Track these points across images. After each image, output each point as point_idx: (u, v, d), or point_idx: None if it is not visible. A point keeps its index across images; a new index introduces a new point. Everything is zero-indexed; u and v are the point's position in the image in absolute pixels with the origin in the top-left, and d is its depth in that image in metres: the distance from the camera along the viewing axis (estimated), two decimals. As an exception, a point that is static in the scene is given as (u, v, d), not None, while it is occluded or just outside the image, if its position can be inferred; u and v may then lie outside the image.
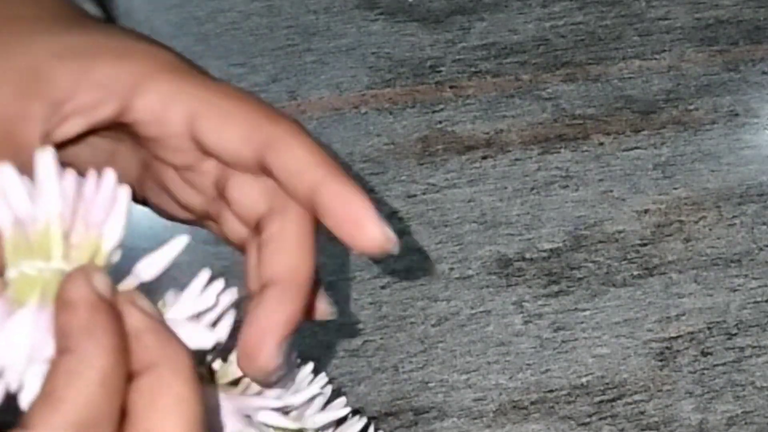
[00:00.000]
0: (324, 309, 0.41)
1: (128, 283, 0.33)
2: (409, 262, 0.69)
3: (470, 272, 0.69)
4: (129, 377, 0.31)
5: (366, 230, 0.36)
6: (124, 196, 0.33)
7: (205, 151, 0.39)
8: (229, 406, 0.40)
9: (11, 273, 0.32)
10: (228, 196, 0.40)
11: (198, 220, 0.43)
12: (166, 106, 0.38)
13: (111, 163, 0.41)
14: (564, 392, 0.63)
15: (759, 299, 0.68)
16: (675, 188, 0.74)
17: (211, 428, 0.38)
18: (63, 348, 0.30)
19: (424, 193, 0.73)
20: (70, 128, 0.39)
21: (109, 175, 0.33)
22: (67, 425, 0.29)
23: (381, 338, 0.66)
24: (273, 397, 0.41)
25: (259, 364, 0.37)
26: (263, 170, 0.38)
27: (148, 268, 0.34)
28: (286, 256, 0.39)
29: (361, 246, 0.37)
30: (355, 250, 0.38)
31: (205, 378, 0.41)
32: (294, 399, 0.43)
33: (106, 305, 0.31)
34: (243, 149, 0.38)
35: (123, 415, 0.30)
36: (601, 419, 0.62)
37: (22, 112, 0.38)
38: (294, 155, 0.37)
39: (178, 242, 0.34)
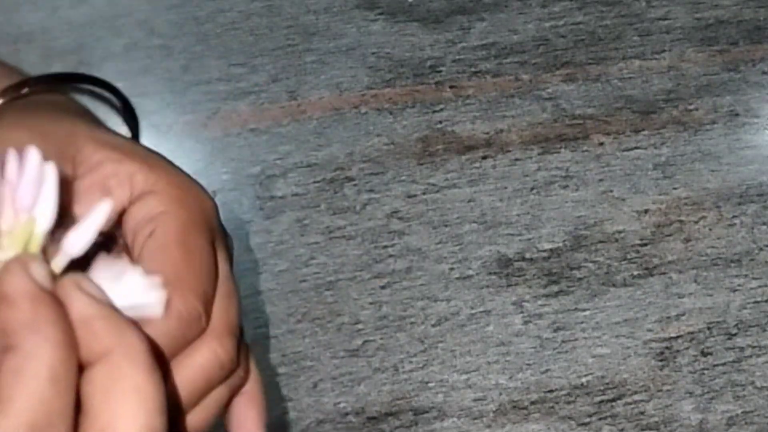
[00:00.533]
0: None
1: (59, 262, 0.31)
2: (409, 262, 0.69)
3: (470, 272, 0.69)
4: (80, 369, 0.29)
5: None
6: (51, 174, 0.31)
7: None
8: None
9: None
10: None
11: None
12: (151, 220, 0.39)
13: None
14: (564, 392, 0.63)
15: (759, 299, 0.68)
16: (675, 188, 0.74)
17: None
18: (6, 346, 0.28)
19: (424, 193, 0.73)
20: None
21: (32, 153, 0.31)
22: (19, 427, 0.27)
23: (381, 338, 0.66)
24: None
25: None
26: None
27: (76, 241, 0.32)
28: None
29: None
30: None
31: None
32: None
33: (48, 296, 0.29)
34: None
35: (78, 410, 0.29)
36: (601, 419, 0.62)
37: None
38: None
39: (102, 209, 0.32)
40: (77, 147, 0.40)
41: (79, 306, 0.29)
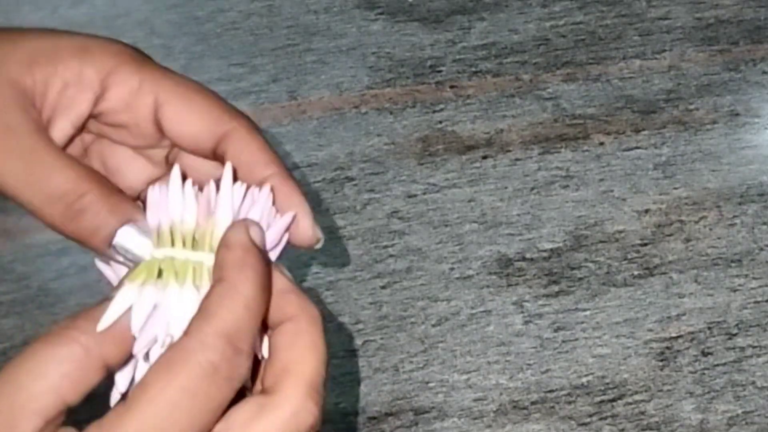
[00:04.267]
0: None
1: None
2: (409, 262, 0.69)
3: (470, 272, 0.69)
4: (273, 325, 0.38)
5: (300, 227, 0.43)
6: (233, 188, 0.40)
7: (165, 135, 0.43)
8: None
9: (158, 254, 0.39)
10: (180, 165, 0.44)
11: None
12: (135, 95, 0.42)
13: None
14: (564, 392, 0.63)
15: (759, 299, 0.68)
16: (675, 188, 0.74)
17: None
18: (217, 277, 0.37)
19: (424, 193, 0.73)
20: (60, 132, 0.42)
21: (265, 191, 0.41)
22: (216, 334, 0.36)
23: (381, 338, 0.66)
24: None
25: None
26: (216, 157, 0.43)
27: (271, 237, 0.41)
28: None
29: (293, 240, 0.43)
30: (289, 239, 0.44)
31: None
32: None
33: (257, 250, 0.38)
34: (204, 138, 0.42)
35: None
36: (601, 419, 0.62)
37: (5, 125, 0.41)
38: (248, 150, 0.42)
39: (288, 216, 0.41)
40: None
41: (280, 280, 0.39)
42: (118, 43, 0.43)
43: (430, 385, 0.63)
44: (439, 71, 0.81)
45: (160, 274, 0.39)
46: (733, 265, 0.69)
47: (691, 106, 0.79)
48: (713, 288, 0.68)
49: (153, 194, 0.40)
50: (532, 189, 0.73)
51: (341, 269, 0.69)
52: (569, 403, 0.63)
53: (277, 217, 0.42)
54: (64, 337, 0.36)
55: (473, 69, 0.81)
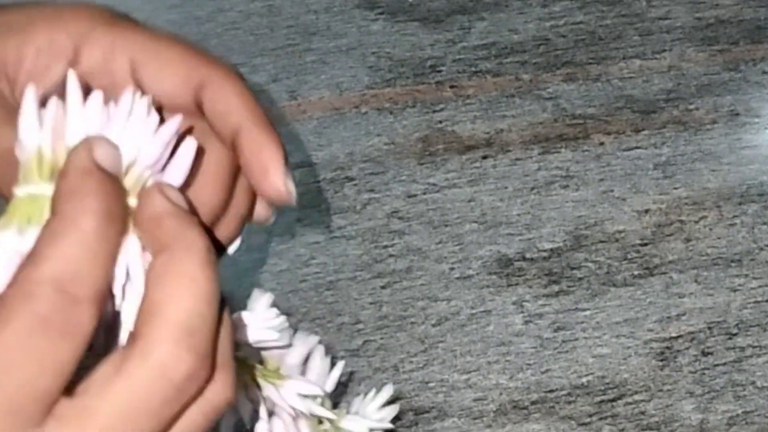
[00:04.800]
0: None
1: (137, 173, 0.34)
2: (409, 262, 0.69)
3: (470, 272, 0.69)
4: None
5: (270, 179, 0.38)
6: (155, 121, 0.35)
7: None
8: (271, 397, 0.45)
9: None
10: None
11: None
12: (109, 57, 0.40)
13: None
14: (564, 392, 0.63)
15: (759, 299, 0.68)
16: (675, 188, 0.74)
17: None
18: (52, 211, 0.31)
19: (424, 193, 0.73)
20: None
21: (144, 101, 0.35)
22: (46, 280, 0.30)
23: (381, 338, 0.66)
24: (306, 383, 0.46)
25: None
26: (200, 112, 0.40)
27: (149, 152, 0.34)
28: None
29: (262, 191, 0.38)
30: (258, 194, 0.39)
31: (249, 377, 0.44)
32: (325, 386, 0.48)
33: (101, 173, 0.32)
34: (181, 93, 0.39)
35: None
36: (601, 419, 0.62)
37: None
38: (223, 97, 0.39)
39: (173, 122, 0.35)
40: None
41: (154, 203, 0.33)
42: (92, 6, 0.41)
43: (430, 384, 0.63)
44: (439, 71, 0.81)
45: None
46: (733, 265, 0.69)
47: (691, 106, 0.79)
48: (713, 288, 0.68)
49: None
50: (532, 189, 0.73)
51: (341, 269, 0.69)
52: (569, 403, 0.63)
53: (161, 130, 0.35)
54: None
55: (473, 69, 0.81)
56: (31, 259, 0.31)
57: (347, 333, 0.66)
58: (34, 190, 0.33)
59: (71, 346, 0.30)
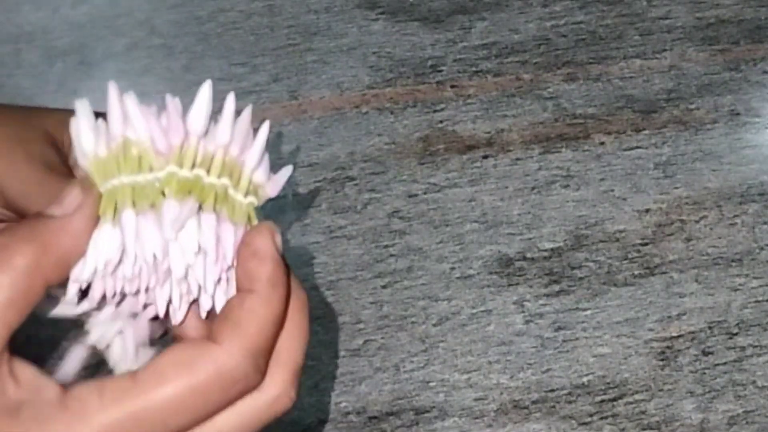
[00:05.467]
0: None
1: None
2: (410, 262, 0.69)
3: (471, 272, 0.69)
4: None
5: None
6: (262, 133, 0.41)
7: None
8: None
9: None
10: None
11: None
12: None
13: None
14: (565, 392, 0.63)
15: (760, 299, 0.68)
16: (676, 188, 0.74)
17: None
18: (248, 289, 0.38)
19: (425, 193, 0.73)
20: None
21: (247, 111, 0.40)
22: (244, 350, 0.37)
23: (382, 338, 0.66)
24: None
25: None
26: None
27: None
28: None
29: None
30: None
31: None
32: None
33: (282, 263, 0.39)
34: None
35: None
36: (602, 419, 0.62)
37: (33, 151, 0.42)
38: None
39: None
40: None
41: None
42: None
43: (431, 384, 0.63)
44: (440, 71, 0.81)
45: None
46: (733, 264, 0.69)
47: (692, 106, 0.79)
48: (714, 287, 0.68)
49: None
50: (533, 189, 0.73)
51: (342, 269, 0.69)
52: (570, 402, 0.63)
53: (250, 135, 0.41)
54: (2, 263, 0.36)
55: (474, 69, 0.81)
56: (233, 325, 0.37)
57: (348, 333, 0.66)
58: (116, 182, 0.38)
59: (236, 399, 0.38)
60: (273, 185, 0.41)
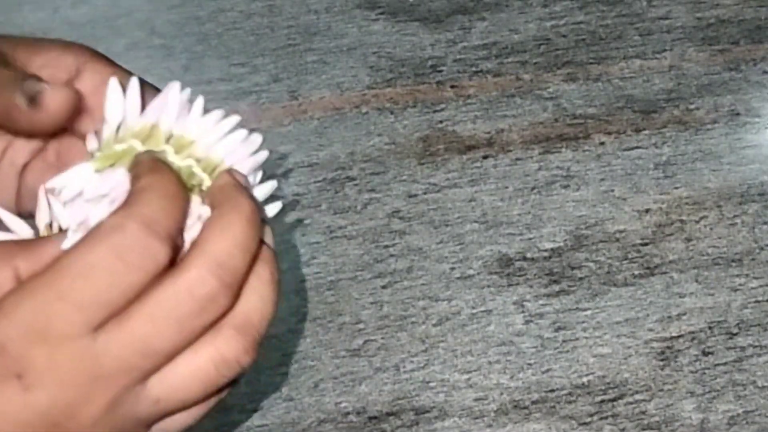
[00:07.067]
0: None
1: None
2: (410, 262, 0.69)
3: (471, 272, 0.69)
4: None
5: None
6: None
7: None
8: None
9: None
10: None
11: None
12: (105, 82, 0.46)
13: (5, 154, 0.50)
14: (565, 392, 0.63)
15: (760, 299, 0.68)
16: (676, 188, 0.74)
17: None
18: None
19: (425, 193, 0.73)
20: None
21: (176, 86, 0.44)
22: (136, 215, 0.39)
23: (382, 338, 0.66)
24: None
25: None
26: None
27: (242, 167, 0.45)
28: None
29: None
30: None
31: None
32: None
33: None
34: None
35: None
36: (602, 419, 0.62)
37: None
38: None
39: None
40: None
41: (223, 177, 0.43)
42: (94, 49, 0.50)
43: (431, 384, 0.63)
44: (440, 71, 0.81)
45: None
46: (733, 264, 0.69)
47: (692, 106, 0.79)
48: (714, 287, 0.68)
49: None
50: (533, 189, 0.73)
51: (342, 269, 0.69)
52: (570, 402, 0.63)
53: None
54: None
55: (474, 69, 0.81)
56: (129, 200, 0.39)
57: (348, 333, 0.66)
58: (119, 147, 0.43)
59: (141, 273, 0.38)
60: (244, 164, 0.45)
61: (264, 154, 0.45)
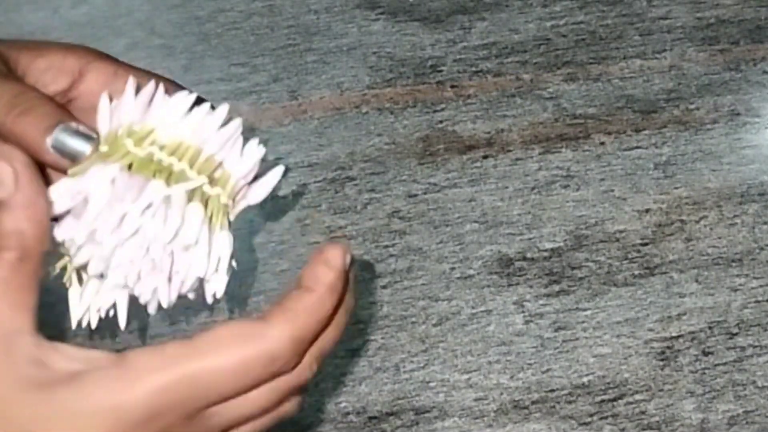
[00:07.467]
0: None
1: (240, 206, 0.44)
2: (410, 262, 0.69)
3: (471, 272, 0.69)
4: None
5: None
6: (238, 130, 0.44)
7: None
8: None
9: (139, 153, 0.43)
10: None
11: None
12: (110, 81, 0.49)
13: None
14: (565, 392, 0.63)
15: (760, 299, 0.68)
16: (676, 188, 0.74)
17: None
18: (309, 287, 0.42)
19: (425, 193, 0.73)
20: None
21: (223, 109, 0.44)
22: (293, 339, 0.41)
23: (382, 338, 0.66)
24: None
25: None
26: None
27: (256, 194, 0.44)
28: None
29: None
30: None
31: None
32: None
33: (345, 275, 0.42)
34: None
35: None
36: (602, 419, 0.62)
37: None
38: None
39: (278, 171, 0.45)
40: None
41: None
42: (98, 49, 0.51)
43: (431, 384, 0.63)
44: (440, 71, 0.81)
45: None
46: (733, 264, 0.69)
47: (692, 106, 0.79)
48: (714, 287, 0.68)
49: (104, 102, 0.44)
50: (533, 189, 0.73)
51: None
52: (570, 402, 0.63)
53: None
54: None
55: (474, 69, 0.81)
56: (287, 314, 0.41)
57: (348, 333, 0.65)
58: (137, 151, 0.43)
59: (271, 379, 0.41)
60: (255, 192, 0.45)
61: (236, 123, 0.44)
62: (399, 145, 0.76)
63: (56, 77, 0.49)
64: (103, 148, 0.43)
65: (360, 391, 0.63)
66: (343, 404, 0.62)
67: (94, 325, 0.44)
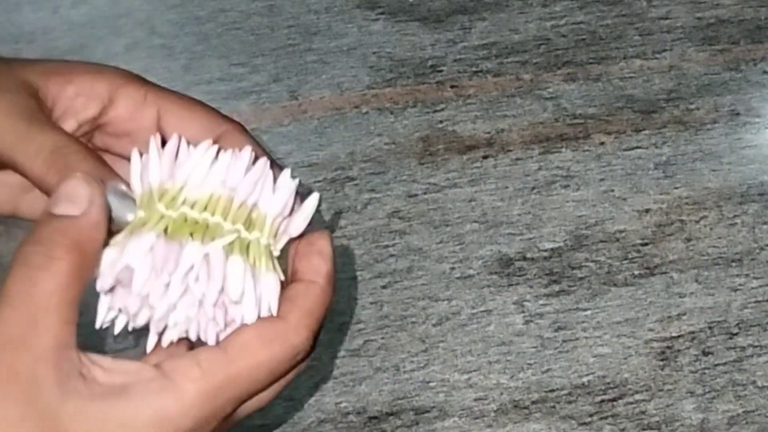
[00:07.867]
0: None
1: (282, 240, 0.45)
2: (410, 262, 0.69)
3: (471, 272, 0.69)
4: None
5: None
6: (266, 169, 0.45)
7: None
8: None
9: (171, 213, 0.43)
10: None
11: None
12: (140, 106, 0.49)
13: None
14: (565, 392, 0.63)
15: (760, 299, 0.68)
16: (676, 188, 0.74)
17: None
18: (311, 280, 0.45)
19: (425, 193, 0.73)
20: (66, 127, 0.49)
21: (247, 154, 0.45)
22: (311, 332, 0.44)
23: (382, 338, 0.66)
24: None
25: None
26: None
27: (296, 226, 0.45)
28: None
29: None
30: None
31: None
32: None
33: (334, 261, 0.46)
34: (203, 138, 0.46)
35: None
36: (602, 419, 0.62)
37: (10, 100, 0.47)
38: (240, 146, 0.46)
39: (313, 199, 0.45)
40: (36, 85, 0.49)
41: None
42: (125, 69, 0.51)
43: (431, 384, 0.63)
44: (440, 71, 0.81)
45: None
46: (733, 264, 0.69)
47: (692, 106, 0.79)
48: (714, 287, 0.68)
49: (136, 159, 0.44)
50: (533, 189, 0.73)
51: (342, 269, 0.69)
52: (570, 402, 0.63)
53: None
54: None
55: (474, 69, 0.81)
56: (304, 308, 0.44)
57: (348, 333, 0.66)
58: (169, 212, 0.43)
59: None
60: (295, 224, 0.46)
61: (263, 163, 0.45)
62: (399, 145, 0.76)
63: (86, 104, 0.49)
64: (140, 212, 0.44)
65: (360, 391, 0.63)
66: (343, 404, 0.62)
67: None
